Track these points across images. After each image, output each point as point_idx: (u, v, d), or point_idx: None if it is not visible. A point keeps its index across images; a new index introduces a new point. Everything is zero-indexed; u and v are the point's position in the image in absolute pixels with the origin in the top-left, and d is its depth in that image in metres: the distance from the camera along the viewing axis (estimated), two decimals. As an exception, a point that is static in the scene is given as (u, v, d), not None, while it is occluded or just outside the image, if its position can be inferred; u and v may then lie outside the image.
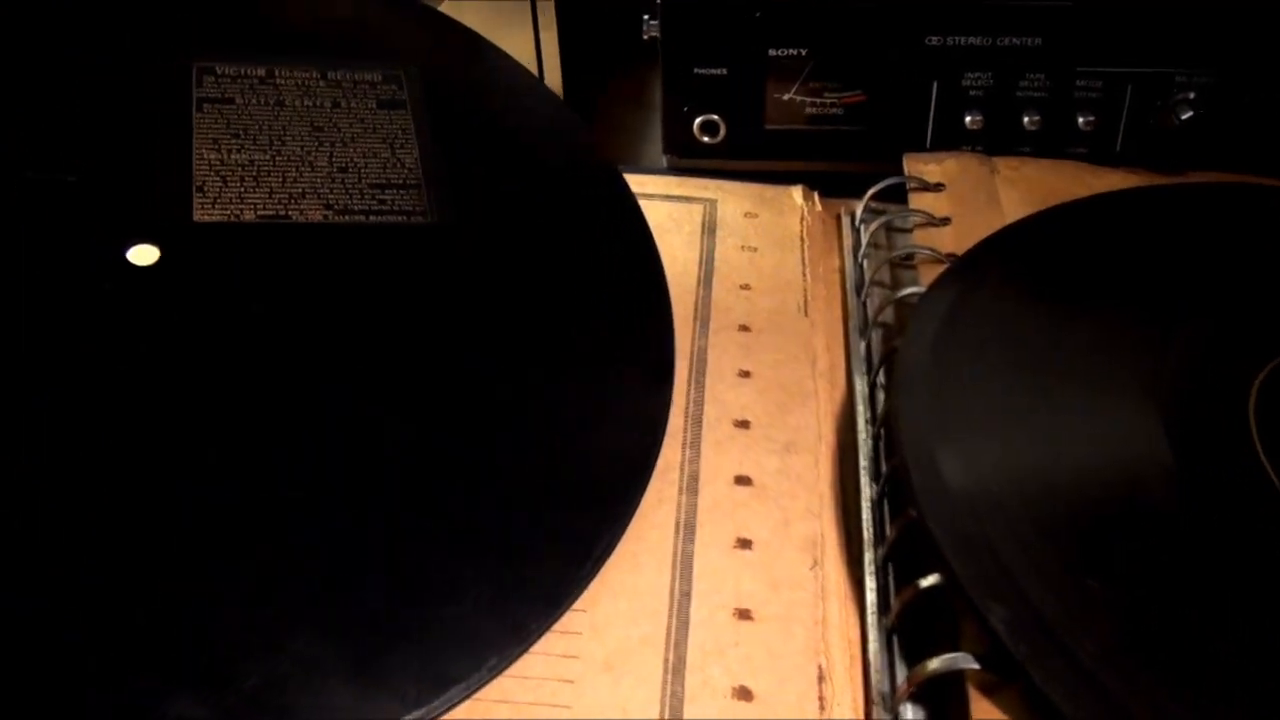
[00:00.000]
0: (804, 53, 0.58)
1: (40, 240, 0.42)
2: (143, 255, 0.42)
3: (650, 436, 0.43)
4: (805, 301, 0.54)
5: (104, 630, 0.33)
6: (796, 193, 0.60)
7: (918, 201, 0.56)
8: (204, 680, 0.33)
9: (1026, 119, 0.58)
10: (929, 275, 0.51)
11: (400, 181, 0.47)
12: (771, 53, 0.58)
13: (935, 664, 0.36)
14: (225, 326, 0.41)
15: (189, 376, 0.39)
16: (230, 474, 0.37)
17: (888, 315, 0.52)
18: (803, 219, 0.59)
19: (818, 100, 0.59)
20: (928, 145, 0.59)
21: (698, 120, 0.60)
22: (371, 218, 0.46)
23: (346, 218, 0.45)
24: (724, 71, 0.59)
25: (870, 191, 0.57)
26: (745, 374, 0.50)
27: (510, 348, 0.44)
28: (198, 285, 0.42)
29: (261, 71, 0.50)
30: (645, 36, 0.59)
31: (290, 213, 0.45)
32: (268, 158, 0.46)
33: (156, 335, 0.40)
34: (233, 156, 0.46)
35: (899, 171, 0.58)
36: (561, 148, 0.52)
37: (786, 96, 0.59)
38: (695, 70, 0.59)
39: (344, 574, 0.36)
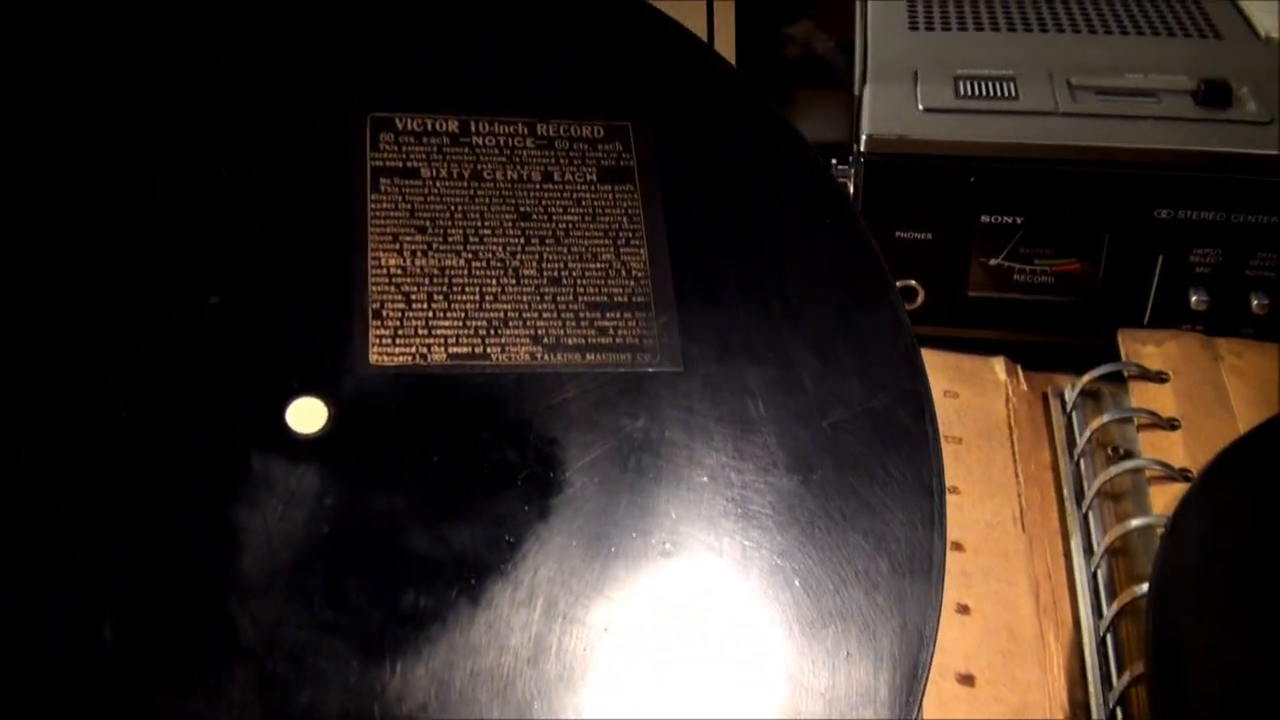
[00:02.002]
0: (1019, 220, 0.50)
1: (176, 395, 0.29)
2: (306, 415, 0.30)
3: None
4: (1021, 511, 0.45)
5: None
6: (999, 366, 0.51)
7: (1140, 395, 0.48)
8: None
9: (1255, 301, 0.51)
10: (1162, 496, 0.44)
11: (625, 298, 0.34)
12: (983, 219, 0.50)
13: None
14: (404, 535, 0.29)
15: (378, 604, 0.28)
16: None
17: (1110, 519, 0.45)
18: (1008, 400, 0.50)
19: (1027, 267, 0.51)
20: (1145, 321, 0.52)
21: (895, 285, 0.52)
22: (589, 355, 0.33)
23: (559, 356, 0.33)
24: (928, 236, 0.51)
25: (1085, 379, 0.49)
26: (964, 609, 0.42)
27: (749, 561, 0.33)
28: (373, 469, 0.30)
29: (454, 125, 0.35)
30: None
31: (490, 350, 0.32)
32: (462, 263, 0.33)
33: (330, 545, 0.29)
34: (417, 262, 0.33)
35: (1109, 343, 0.51)
36: (831, 253, 0.38)
37: (993, 262, 0.51)
38: (896, 233, 0.51)
39: None
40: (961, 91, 0.51)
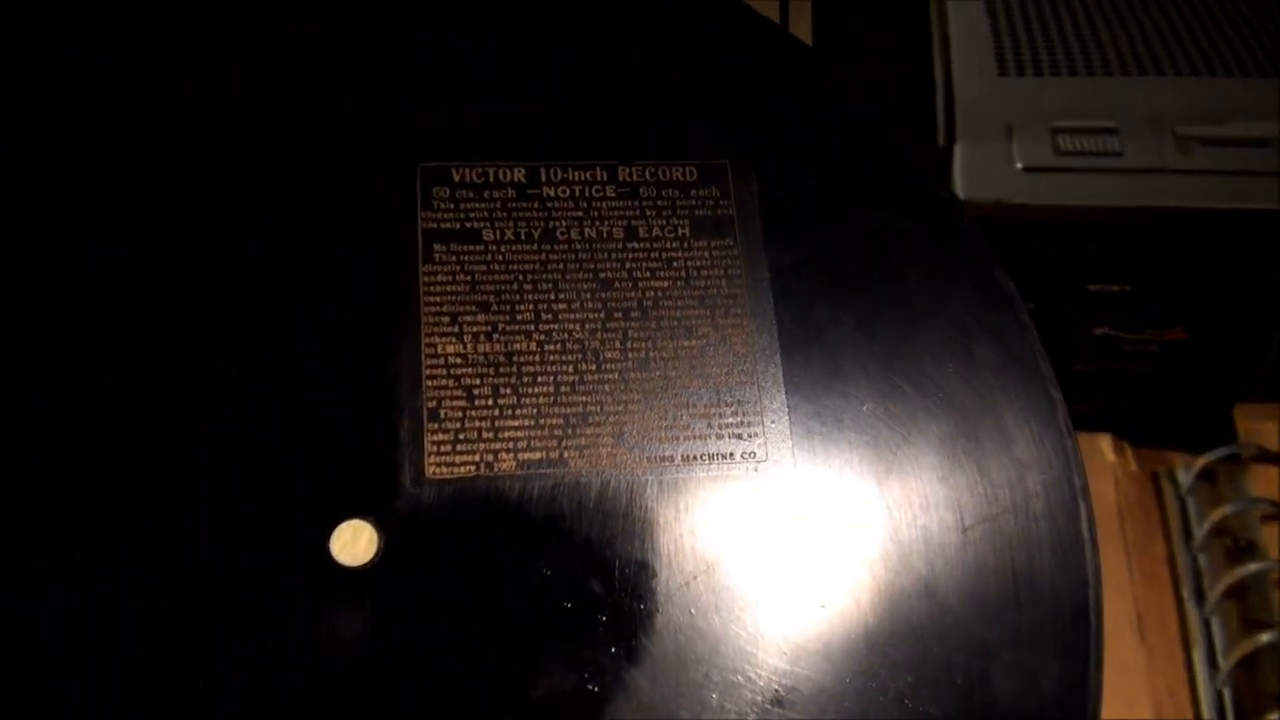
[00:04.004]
0: (1127, 287, 0.44)
1: (197, 518, 0.23)
2: (352, 544, 0.23)
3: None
4: (1138, 617, 0.39)
5: None
6: (1106, 445, 0.45)
7: (1260, 479, 0.42)
8: None
9: (1381, 371, 0.45)
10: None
11: (724, 381, 0.28)
12: (1091, 288, 0.44)
13: None
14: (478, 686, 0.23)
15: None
16: None
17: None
18: (1116, 483, 0.44)
19: (1136, 337, 0.45)
20: (1261, 394, 0.45)
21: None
22: (682, 455, 0.27)
23: (647, 458, 0.26)
24: (1030, 306, 0.44)
25: (1200, 462, 0.44)
26: (1085, 736, 0.35)
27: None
28: (433, 606, 0.24)
29: (520, 174, 0.29)
30: None
31: (567, 454, 0.26)
32: (533, 346, 0.27)
33: (382, 701, 0.22)
34: (480, 347, 0.27)
35: (1222, 416, 0.45)
36: (969, 318, 0.31)
37: (1099, 332, 0.45)
38: None
39: None
40: (1061, 146, 0.44)
